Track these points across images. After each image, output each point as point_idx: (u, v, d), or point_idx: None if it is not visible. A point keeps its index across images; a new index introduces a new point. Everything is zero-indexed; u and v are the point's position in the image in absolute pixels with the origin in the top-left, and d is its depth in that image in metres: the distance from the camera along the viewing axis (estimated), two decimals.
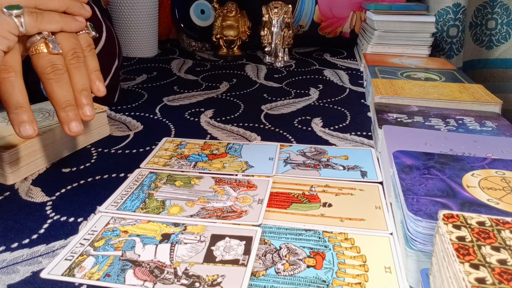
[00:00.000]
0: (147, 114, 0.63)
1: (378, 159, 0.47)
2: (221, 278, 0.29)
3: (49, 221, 0.37)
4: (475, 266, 0.21)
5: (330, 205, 0.39)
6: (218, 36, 0.99)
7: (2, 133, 0.45)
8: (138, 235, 0.34)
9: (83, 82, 0.39)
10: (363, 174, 0.44)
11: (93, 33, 0.42)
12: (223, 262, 0.31)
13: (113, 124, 0.59)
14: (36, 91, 0.51)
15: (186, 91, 0.75)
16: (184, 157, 0.48)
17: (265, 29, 0.91)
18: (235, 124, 0.59)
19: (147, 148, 0.51)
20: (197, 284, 0.29)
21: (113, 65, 0.64)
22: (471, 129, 0.46)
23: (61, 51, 0.38)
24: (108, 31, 0.62)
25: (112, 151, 0.51)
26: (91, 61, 0.41)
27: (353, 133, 0.56)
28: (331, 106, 0.68)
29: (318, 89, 0.77)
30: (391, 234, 0.34)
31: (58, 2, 0.39)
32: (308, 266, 0.31)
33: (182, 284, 0.29)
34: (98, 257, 0.32)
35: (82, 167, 0.47)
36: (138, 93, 0.73)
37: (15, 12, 0.35)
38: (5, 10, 0.34)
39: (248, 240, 0.33)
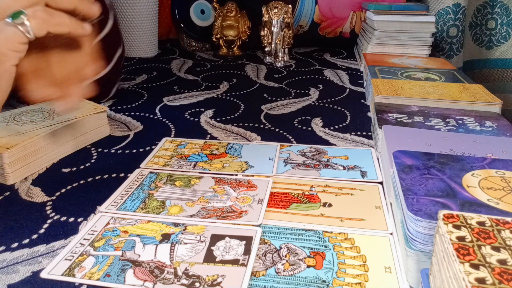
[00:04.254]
0: (147, 114, 0.63)
1: (378, 159, 0.47)
2: (221, 278, 0.29)
3: (49, 221, 0.37)
4: (475, 266, 0.21)
5: (330, 205, 0.39)
6: (218, 36, 0.99)
7: (2, 133, 0.45)
8: (138, 235, 0.34)
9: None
10: (363, 174, 0.44)
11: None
12: (223, 262, 0.31)
13: (113, 124, 0.59)
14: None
15: (186, 91, 0.75)
16: (184, 157, 0.48)
17: (265, 29, 0.91)
18: (235, 124, 0.59)
19: (147, 148, 0.51)
20: (197, 284, 0.29)
21: (116, 52, 0.64)
22: (471, 129, 0.46)
23: None
24: (115, 19, 0.63)
25: (112, 151, 0.51)
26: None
27: (353, 133, 0.56)
28: (331, 106, 0.68)
29: (318, 89, 0.77)
30: (391, 234, 0.34)
31: (67, 1, 0.38)
32: (308, 266, 0.31)
33: (182, 284, 0.29)
34: (98, 257, 0.32)
35: (82, 167, 0.47)
36: (138, 93, 0.73)
37: (19, 20, 0.33)
38: (9, 20, 0.33)
39: (248, 240, 0.33)
